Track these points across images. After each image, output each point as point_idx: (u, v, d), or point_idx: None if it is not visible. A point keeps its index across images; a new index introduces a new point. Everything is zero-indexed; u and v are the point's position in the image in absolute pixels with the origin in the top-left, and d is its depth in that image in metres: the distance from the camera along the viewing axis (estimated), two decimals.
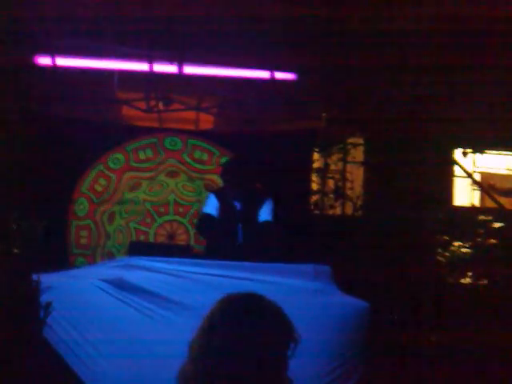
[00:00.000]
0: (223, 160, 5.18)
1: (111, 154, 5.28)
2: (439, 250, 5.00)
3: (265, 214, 4.25)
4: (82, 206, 5.20)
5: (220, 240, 4.22)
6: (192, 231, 5.18)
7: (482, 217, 5.37)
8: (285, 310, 3.71)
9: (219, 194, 4.34)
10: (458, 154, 5.86)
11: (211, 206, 4.29)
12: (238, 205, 4.25)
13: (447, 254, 4.95)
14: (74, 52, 5.25)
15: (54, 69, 5.26)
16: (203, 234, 4.53)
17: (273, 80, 5.34)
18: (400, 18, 4.66)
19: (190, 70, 5.41)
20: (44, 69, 5.27)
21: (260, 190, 4.52)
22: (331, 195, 5.78)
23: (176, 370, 3.39)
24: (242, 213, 4.25)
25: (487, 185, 5.89)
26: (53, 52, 5.20)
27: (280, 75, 5.38)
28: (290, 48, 4.94)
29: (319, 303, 3.63)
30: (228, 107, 5.75)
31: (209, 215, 4.26)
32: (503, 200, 5.73)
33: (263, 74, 5.44)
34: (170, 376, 3.33)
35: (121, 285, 3.47)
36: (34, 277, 2.99)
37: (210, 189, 4.88)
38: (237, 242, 4.21)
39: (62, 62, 5.31)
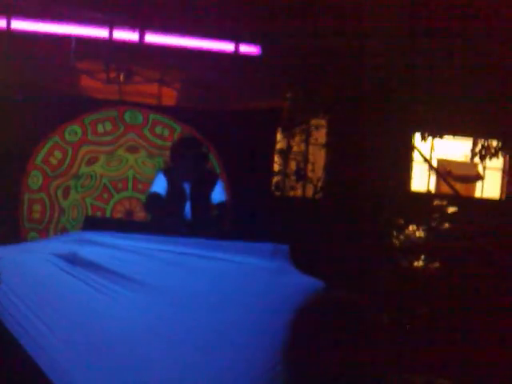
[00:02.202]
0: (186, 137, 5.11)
1: (68, 126, 5.13)
2: (395, 233, 5.08)
3: (218, 194, 4.24)
4: (35, 179, 5.05)
5: (166, 219, 4.18)
6: None
7: (437, 202, 5.47)
8: (242, 288, 3.69)
9: (168, 173, 4.29)
10: (416, 139, 5.94)
11: (159, 185, 4.25)
12: (186, 185, 4.22)
13: (402, 237, 5.03)
14: (30, 15, 5.05)
15: (9, 32, 5.05)
16: (150, 212, 4.49)
17: (237, 54, 5.27)
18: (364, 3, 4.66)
19: (151, 38, 5.29)
20: None
21: (210, 171, 4.50)
22: (293, 177, 5.79)
23: (130, 345, 3.36)
24: (191, 193, 4.22)
25: (444, 171, 6.00)
26: (7, 14, 4.99)
27: (244, 49, 5.32)
28: (254, 19, 4.88)
29: (277, 282, 3.64)
30: (191, 82, 5.66)
31: (155, 194, 4.22)
32: (459, 186, 5.85)
33: (227, 47, 5.36)
34: (123, 352, 3.31)
35: (74, 260, 3.39)
36: None
37: (161, 168, 4.82)
38: (184, 221, 4.18)
39: (17, 25, 5.09)
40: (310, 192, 5.79)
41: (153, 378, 3.29)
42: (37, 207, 5.03)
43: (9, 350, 2.96)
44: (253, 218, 4.93)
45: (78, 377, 3.12)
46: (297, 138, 5.76)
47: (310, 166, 5.81)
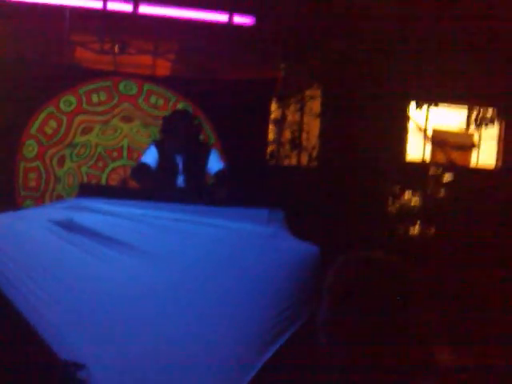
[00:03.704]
0: (180, 106, 5.10)
1: (63, 96, 5.11)
2: (390, 201, 5.11)
3: (215, 163, 4.24)
4: (30, 148, 5.06)
5: (155, 189, 4.19)
6: None
7: (432, 170, 5.49)
8: (238, 253, 3.71)
9: (160, 145, 4.29)
10: (412, 107, 5.93)
11: (150, 156, 4.26)
12: (179, 158, 4.21)
13: (397, 204, 5.06)
14: None
15: (3, 4, 5.00)
16: (135, 180, 4.51)
17: (231, 24, 5.24)
18: None
19: (145, 9, 5.25)
20: None
21: (202, 143, 4.50)
22: (287, 146, 5.79)
23: (126, 309, 3.39)
24: (185, 166, 4.22)
25: (439, 140, 6.00)
26: None
27: (238, 19, 5.28)
28: None
29: (272, 247, 3.67)
30: (185, 52, 5.63)
31: (144, 164, 4.23)
32: (454, 155, 5.86)
33: (221, 17, 5.32)
34: (118, 315, 3.34)
35: (70, 226, 3.40)
36: None
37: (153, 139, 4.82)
38: (175, 193, 4.19)
39: None
40: (304, 161, 5.80)
41: (147, 339, 3.33)
42: (32, 175, 5.05)
43: (4, 313, 2.99)
44: (247, 187, 4.94)
45: (71, 337, 3.16)
46: (292, 108, 5.74)
47: (304, 135, 5.81)
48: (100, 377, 3.12)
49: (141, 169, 4.27)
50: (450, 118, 6.25)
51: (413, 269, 1.24)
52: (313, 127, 5.82)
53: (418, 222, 4.94)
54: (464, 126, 5.73)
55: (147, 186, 4.25)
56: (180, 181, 4.22)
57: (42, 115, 5.07)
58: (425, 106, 5.66)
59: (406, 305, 1.18)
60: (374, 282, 1.19)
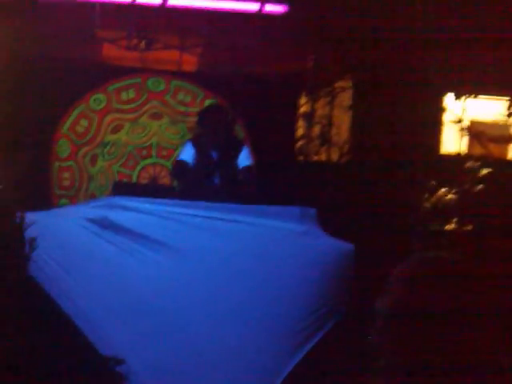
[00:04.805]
0: (207, 102, 5.08)
1: (93, 95, 5.14)
2: (425, 196, 5.01)
3: (244, 159, 4.25)
4: (63, 147, 5.10)
5: (194, 186, 4.20)
6: None
7: (469, 163, 5.36)
8: (270, 251, 3.69)
9: (196, 141, 4.29)
10: (448, 99, 5.80)
11: (187, 153, 4.28)
12: (214, 153, 4.21)
13: (433, 199, 4.96)
14: None
15: (33, 1, 5.03)
16: (177, 179, 4.52)
17: (260, 14, 5.17)
18: None
19: (173, 1, 5.23)
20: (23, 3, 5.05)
21: (236, 138, 4.49)
22: (317, 141, 5.71)
23: (157, 306, 3.41)
24: (219, 161, 4.21)
25: (476, 131, 5.85)
26: None
27: (268, 8, 5.20)
28: None
29: (305, 245, 3.65)
30: (213, 47, 5.59)
31: (182, 161, 4.24)
32: (491, 147, 5.71)
33: (251, 7, 5.25)
34: (151, 309, 3.37)
35: (105, 224, 3.45)
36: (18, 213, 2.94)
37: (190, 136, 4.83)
38: (212, 188, 4.19)
39: None
40: (334, 156, 5.72)
41: (180, 335, 3.35)
42: (66, 174, 5.10)
43: (44, 308, 3.04)
44: (277, 183, 4.92)
45: (110, 332, 3.21)
46: (321, 101, 5.66)
47: (334, 130, 5.72)
48: (138, 371, 3.16)
49: (179, 166, 4.29)
50: (488, 109, 6.10)
51: (477, 266, 1.24)
52: (343, 121, 5.74)
53: (455, 218, 4.84)
54: (503, 117, 5.57)
55: (187, 183, 4.26)
56: (215, 177, 4.22)
57: (74, 114, 5.11)
58: (462, 97, 5.52)
59: (474, 305, 1.18)
60: (444, 281, 1.19)
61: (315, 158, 5.73)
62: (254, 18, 5.22)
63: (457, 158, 5.34)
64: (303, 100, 5.58)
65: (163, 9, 5.25)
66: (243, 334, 3.47)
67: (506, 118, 5.36)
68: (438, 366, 1.15)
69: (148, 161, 5.21)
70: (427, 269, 1.20)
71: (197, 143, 4.27)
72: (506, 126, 5.68)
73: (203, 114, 4.36)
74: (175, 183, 4.66)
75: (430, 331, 1.16)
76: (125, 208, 3.55)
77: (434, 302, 1.16)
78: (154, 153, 5.22)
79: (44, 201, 4.70)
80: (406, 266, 1.22)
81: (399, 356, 1.18)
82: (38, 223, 2.94)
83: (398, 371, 1.18)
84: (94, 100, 5.14)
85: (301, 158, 5.64)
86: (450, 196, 4.74)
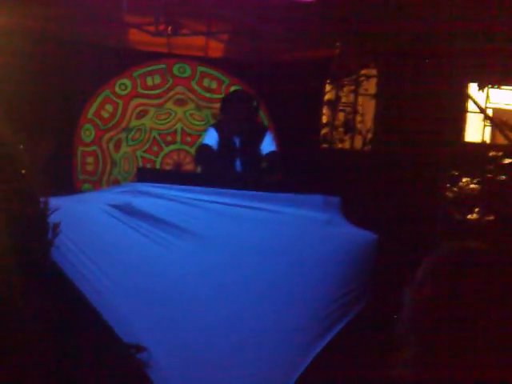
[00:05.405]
0: (232, 89, 5.06)
1: (118, 80, 5.16)
2: (448, 185, 4.95)
3: (267, 145, 4.23)
4: (88, 132, 5.13)
5: (217, 171, 4.20)
6: None
7: (492, 153, 5.28)
8: (293, 239, 3.68)
9: (219, 127, 4.28)
10: (471, 88, 5.70)
11: (210, 138, 4.26)
12: (236, 139, 4.20)
13: (455, 189, 4.90)
14: None
15: None
16: (199, 164, 4.52)
17: (286, 2, 5.11)
18: None
19: None
20: None
21: (259, 124, 4.47)
22: (341, 129, 5.68)
23: (180, 293, 3.43)
24: (242, 147, 4.21)
25: (499, 121, 5.75)
26: None
27: None
28: None
29: (329, 233, 3.64)
30: (239, 34, 5.55)
31: (206, 145, 4.23)
32: None
33: None
34: (174, 296, 3.39)
35: (128, 210, 3.46)
36: (42, 198, 2.97)
37: (212, 122, 4.82)
38: (235, 174, 4.19)
39: None
40: (358, 144, 5.68)
41: (203, 322, 3.37)
42: (90, 159, 5.13)
43: (67, 295, 3.08)
44: (301, 171, 4.90)
45: (132, 319, 3.24)
46: (346, 89, 5.61)
47: (359, 118, 5.67)
48: (160, 358, 3.19)
49: (202, 151, 4.29)
50: (510, 98, 5.99)
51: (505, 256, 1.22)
52: (368, 109, 5.68)
53: (477, 208, 4.78)
54: None
55: (209, 168, 4.27)
56: (238, 162, 4.22)
57: (99, 99, 5.13)
58: (486, 87, 5.42)
59: (504, 295, 1.16)
60: (474, 271, 1.18)
61: (339, 145, 5.71)
62: (281, 6, 5.16)
63: (479, 147, 5.26)
64: (328, 88, 5.53)
65: None
66: (265, 322, 3.48)
67: None
68: (466, 357, 1.12)
69: (172, 147, 5.22)
70: (457, 259, 1.18)
71: (219, 129, 4.27)
72: None
73: (226, 101, 4.35)
74: (198, 168, 4.67)
75: (460, 323, 1.13)
76: (148, 194, 3.57)
77: (463, 293, 1.14)
78: (178, 139, 5.23)
79: (67, 186, 4.75)
80: (435, 257, 1.20)
81: (426, 347, 1.16)
82: (61, 208, 2.96)
83: (424, 363, 1.16)
84: (119, 85, 5.16)
85: (325, 145, 5.62)
86: (473, 185, 4.68)
